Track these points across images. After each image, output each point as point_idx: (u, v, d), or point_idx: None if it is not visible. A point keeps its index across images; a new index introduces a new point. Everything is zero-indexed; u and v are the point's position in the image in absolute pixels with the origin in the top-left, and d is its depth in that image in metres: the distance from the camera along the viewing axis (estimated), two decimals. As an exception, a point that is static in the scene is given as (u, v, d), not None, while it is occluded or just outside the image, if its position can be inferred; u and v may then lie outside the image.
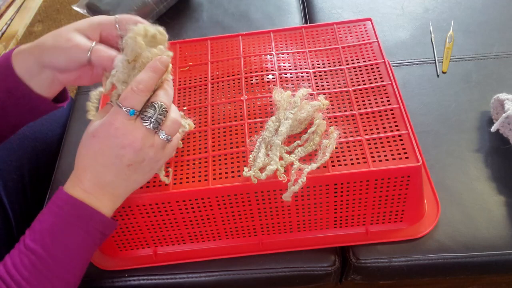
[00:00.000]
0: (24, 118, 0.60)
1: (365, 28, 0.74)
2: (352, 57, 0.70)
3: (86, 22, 0.53)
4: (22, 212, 0.76)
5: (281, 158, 0.57)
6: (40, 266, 0.47)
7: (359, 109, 0.63)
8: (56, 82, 0.56)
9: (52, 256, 0.48)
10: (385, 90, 0.64)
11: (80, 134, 0.82)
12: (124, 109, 0.48)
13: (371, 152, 0.58)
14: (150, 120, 0.49)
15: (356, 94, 0.64)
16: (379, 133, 0.60)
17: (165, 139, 0.51)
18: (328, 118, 0.62)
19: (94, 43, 0.52)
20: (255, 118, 0.63)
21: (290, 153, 0.58)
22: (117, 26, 0.53)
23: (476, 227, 0.65)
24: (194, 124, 0.64)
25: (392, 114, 0.61)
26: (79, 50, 0.51)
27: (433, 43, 0.89)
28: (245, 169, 0.56)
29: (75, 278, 0.51)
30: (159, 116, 0.49)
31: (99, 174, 0.50)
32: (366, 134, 0.60)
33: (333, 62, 0.69)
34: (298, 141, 0.59)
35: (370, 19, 0.75)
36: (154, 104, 0.49)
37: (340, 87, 0.66)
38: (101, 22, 0.52)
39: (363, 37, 0.72)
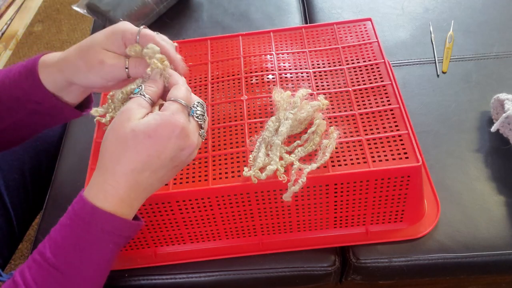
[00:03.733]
0: (48, 124, 0.59)
1: (365, 28, 0.74)
2: (352, 57, 0.70)
3: (110, 38, 0.50)
4: (24, 211, 0.76)
5: (281, 158, 0.57)
6: (60, 280, 0.44)
7: (359, 109, 0.63)
8: (88, 92, 0.56)
9: (79, 272, 0.44)
10: (385, 90, 0.64)
11: (80, 134, 0.82)
12: (188, 108, 0.45)
13: (371, 152, 0.58)
14: (203, 119, 0.47)
15: (356, 94, 0.64)
16: (379, 133, 0.60)
17: (203, 138, 0.48)
18: (328, 118, 0.62)
19: (127, 61, 0.50)
20: (255, 118, 0.63)
21: (290, 153, 0.58)
22: (138, 38, 0.50)
23: (476, 227, 0.65)
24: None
25: (392, 114, 0.61)
26: (116, 70, 0.50)
27: (433, 43, 0.89)
28: (245, 169, 0.56)
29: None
30: (205, 115, 0.47)
31: (143, 180, 0.44)
32: (366, 134, 0.60)
33: (333, 62, 0.69)
34: (298, 141, 0.59)
35: (370, 19, 0.75)
36: (201, 102, 0.47)
37: (340, 87, 0.66)
38: (124, 36, 0.50)
39: (363, 37, 0.72)
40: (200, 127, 0.47)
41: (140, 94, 0.46)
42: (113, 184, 0.43)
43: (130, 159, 0.43)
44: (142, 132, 0.43)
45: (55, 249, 0.44)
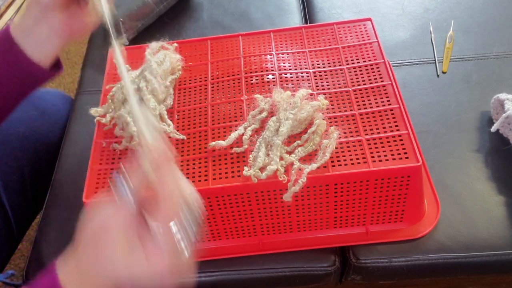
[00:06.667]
0: (19, 88, 0.59)
1: (365, 28, 0.74)
2: (352, 57, 0.70)
3: None
4: (23, 212, 0.76)
5: (281, 158, 0.57)
6: None
7: (359, 109, 0.63)
8: (52, 37, 0.56)
9: None
10: (385, 90, 0.64)
11: (79, 134, 0.82)
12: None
13: (371, 152, 0.58)
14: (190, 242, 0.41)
15: (356, 94, 0.64)
16: (379, 133, 0.60)
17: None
18: (328, 118, 0.62)
19: None
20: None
21: (290, 153, 0.58)
22: None
23: (476, 227, 0.65)
24: (194, 123, 0.64)
25: (392, 114, 0.61)
26: None
27: (433, 43, 0.89)
28: (245, 168, 0.56)
29: None
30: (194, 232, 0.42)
31: None
32: (366, 134, 0.60)
33: (333, 62, 0.69)
34: (298, 141, 0.59)
35: (370, 19, 0.75)
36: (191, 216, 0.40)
37: (340, 87, 0.66)
38: None
39: (363, 37, 0.72)
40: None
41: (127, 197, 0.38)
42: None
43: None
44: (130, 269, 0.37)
45: None
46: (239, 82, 0.68)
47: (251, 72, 0.69)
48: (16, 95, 0.60)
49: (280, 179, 0.55)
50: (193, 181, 0.58)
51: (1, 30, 0.56)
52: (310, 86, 0.66)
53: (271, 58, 0.71)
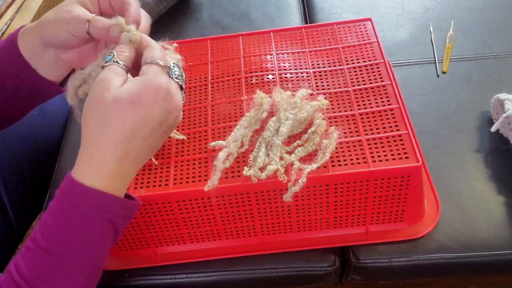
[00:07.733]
0: (34, 101, 0.59)
1: (365, 28, 0.74)
2: (352, 57, 0.70)
3: None
4: (23, 212, 0.76)
5: (281, 158, 0.57)
6: (54, 264, 0.42)
7: (359, 109, 0.63)
8: (61, 64, 0.54)
9: (73, 254, 0.42)
10: (385, 90, 0.64)
11: (79, 134, 0.82)
12: (167, 68, 0.44)
13: (371, 152, 0.58)
14: (182, 79, 0.45)
15: (356, 94, 0.64)
16: (379, 133, 0.60)
17: (183, 101, 0.46)
18: (328, 118, 0.62)
19: (93, 15, 0.49)
20: (255, 118, 0.63)
21: (290, 153, 0.58)
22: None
23: (476, 227, 0.65)
24: (194, 123, 0.64)
25: (392, 114, 0.61)
26: (78, 22, 0.48)
27: (433, 43, 0.89)
28: (245, 168, 0.56)
29: (94, 272, 0.45)
30: (183, 75, 0.46)
31: (133, 149, 0.42)
32: (366, 134, 0.60)
33: (333, 62, 0.69)
34: (298, 141, 0.59)
35: (370, 19, 0.75)
36: (177, 63, 0.45)
37: (340, 87, 0.66)
38: None
39: (363, 37, 0.72)
40: (181, 87, 0.45)
41: (114, 61, 0.44)
42: (101, 158, 0.42)
43: (116, 129, 0.41)
44: (125, 99, 0.41)
45: (46, 233, 0.43)
46: (239, 82, 0.68)
47: (251, 72, 0.69)
48: (27, 106, 0.60)
49: (280, 179, 0.55)
50: (193, 181, 0.58)
51: (8, 39, 0.52)
52: (310, 86, 0.66)
53: (271, 58, 0.71)
